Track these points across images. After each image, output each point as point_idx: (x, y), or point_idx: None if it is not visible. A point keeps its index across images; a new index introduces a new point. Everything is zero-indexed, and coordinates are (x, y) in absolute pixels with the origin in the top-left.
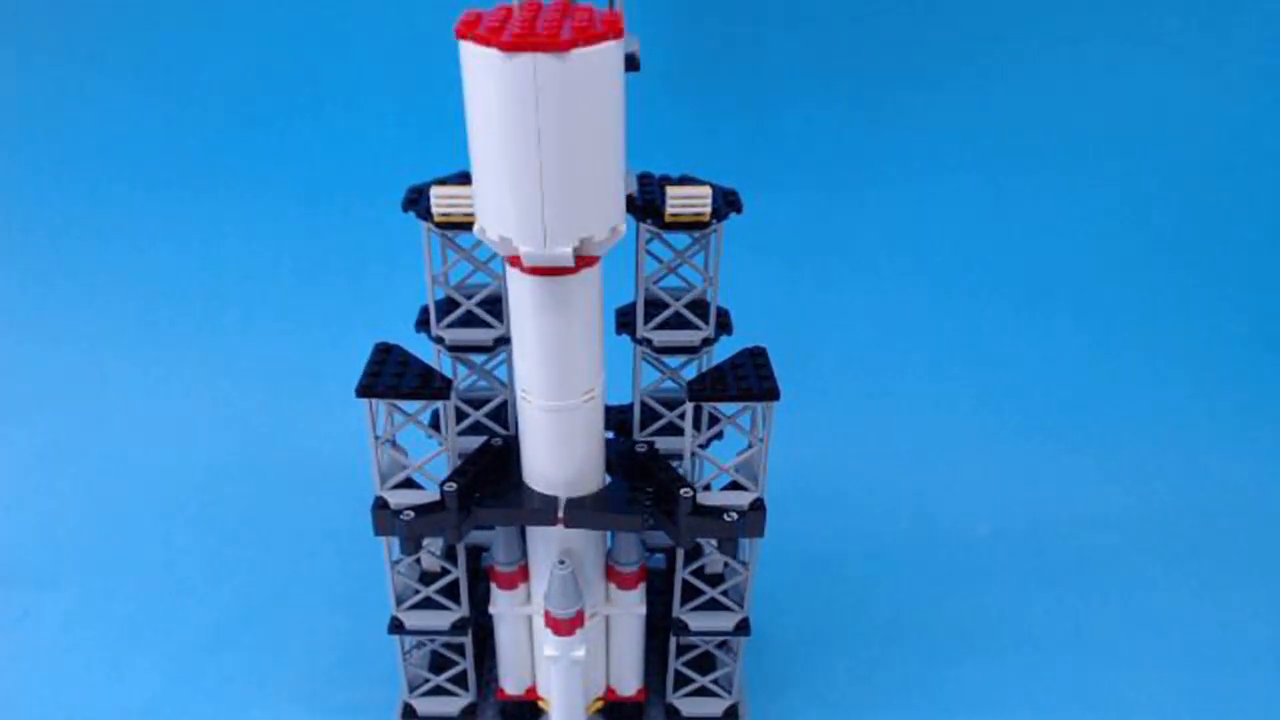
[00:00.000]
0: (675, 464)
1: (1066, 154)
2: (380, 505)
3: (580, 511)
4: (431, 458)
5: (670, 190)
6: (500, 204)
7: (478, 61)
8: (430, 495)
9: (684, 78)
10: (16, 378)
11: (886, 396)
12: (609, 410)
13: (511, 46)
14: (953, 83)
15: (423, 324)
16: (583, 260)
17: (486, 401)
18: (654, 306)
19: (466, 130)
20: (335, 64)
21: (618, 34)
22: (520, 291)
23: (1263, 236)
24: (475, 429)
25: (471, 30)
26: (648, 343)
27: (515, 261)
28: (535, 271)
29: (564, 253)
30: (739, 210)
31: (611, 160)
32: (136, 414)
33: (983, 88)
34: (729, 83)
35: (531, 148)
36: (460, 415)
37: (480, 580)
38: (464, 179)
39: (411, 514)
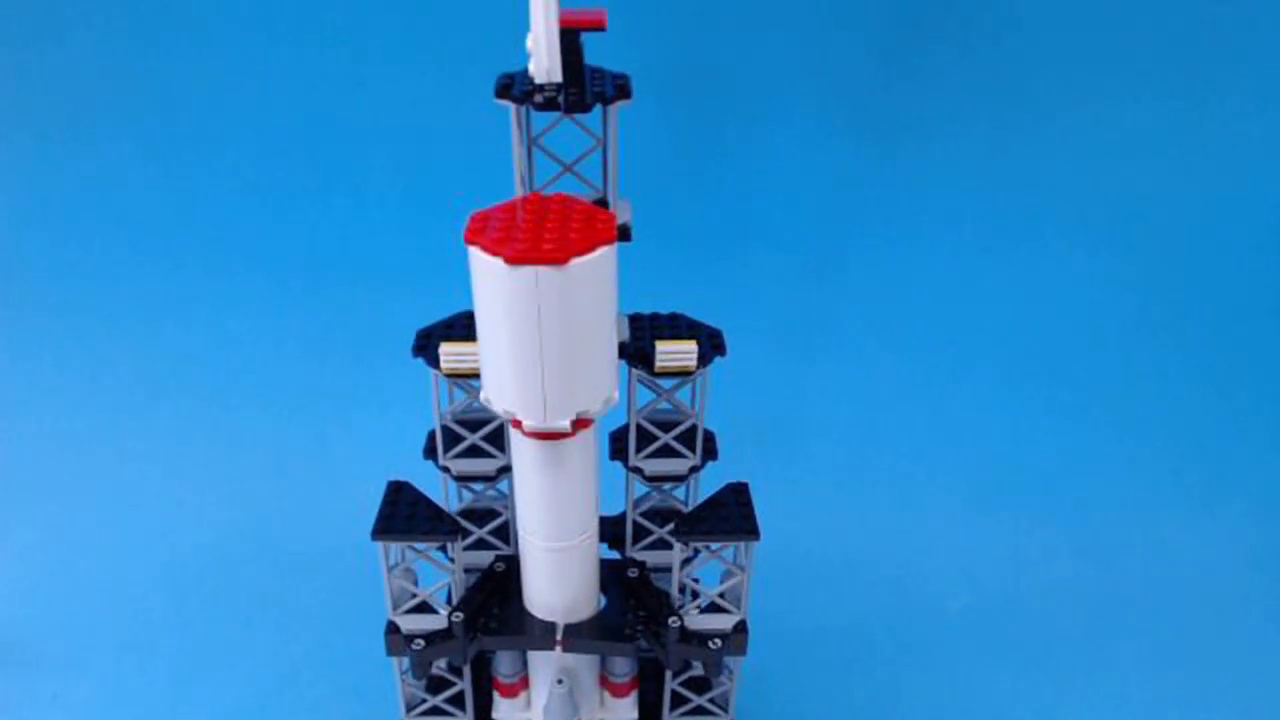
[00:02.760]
0: (664, 576)
1: (1042, 237)
2: (392, 630)
3: (578, 638)
4: (438, 588)
5: (659, 345)
6: (504, 382)
7: (485, 266)
8: (439, 620)
9: (670, 151)
10: (32, 460)
11: (866, 470)
12: (603, 522)
13: (515, 260)
14: (934, 163)
15: (430, 452)
16: (579, 424)
17: (490, 516)
18: (645, 436)
19: (475, 308)
20: (344, 148)
21: (610, 239)
22: (521, 448)
23: (1230, 317)
24: (479, 544)
25: (479, 238)
26: (639, 471)
27: (517, 424)
28: (535, 435)
29: (562, 424)
30: (723, 353)
31: (606, 344)
32: (151, 494)
33: (962, 169)
34: (714, 157)
35: (533, 341)
36: (464, 532)
37: (484, 673)
38: (469, 326)
39: (422, 643)
